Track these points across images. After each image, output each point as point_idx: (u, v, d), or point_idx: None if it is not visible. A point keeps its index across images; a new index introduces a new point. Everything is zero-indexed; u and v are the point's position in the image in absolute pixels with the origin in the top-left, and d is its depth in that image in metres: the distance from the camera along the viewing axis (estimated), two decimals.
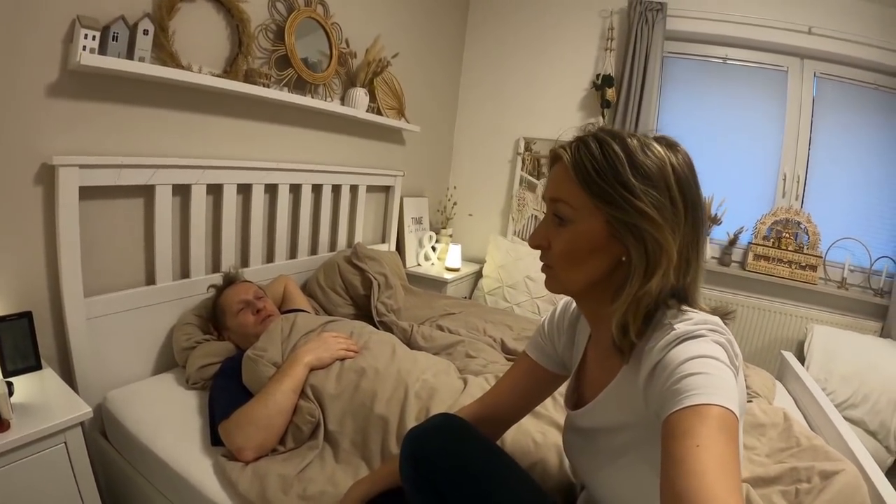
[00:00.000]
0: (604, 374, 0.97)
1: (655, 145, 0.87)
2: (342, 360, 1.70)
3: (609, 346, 0.94)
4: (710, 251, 3.37)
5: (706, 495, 0.62)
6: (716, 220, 3.31)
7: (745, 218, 3.33)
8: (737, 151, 3.39)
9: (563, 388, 1.22)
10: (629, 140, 0.87)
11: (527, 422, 1.45)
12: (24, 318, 1.57)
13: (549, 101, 3.69)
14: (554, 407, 1.62)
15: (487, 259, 3.78)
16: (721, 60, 3.39)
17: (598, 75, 3.43)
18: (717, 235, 3.40)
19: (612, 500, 1.00)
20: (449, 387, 1.65)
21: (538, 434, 1.45)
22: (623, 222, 0.85)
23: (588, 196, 0.87)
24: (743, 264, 3.34)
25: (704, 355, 0.76)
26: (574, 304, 1.16)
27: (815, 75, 3.20)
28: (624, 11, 3.41)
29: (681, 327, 0.81)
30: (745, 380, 2.01)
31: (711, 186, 3.31)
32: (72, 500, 1.42)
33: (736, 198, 3.32)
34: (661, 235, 0.83)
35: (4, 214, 1.58)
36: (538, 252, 0.98)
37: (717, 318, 0.85)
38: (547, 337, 1.20)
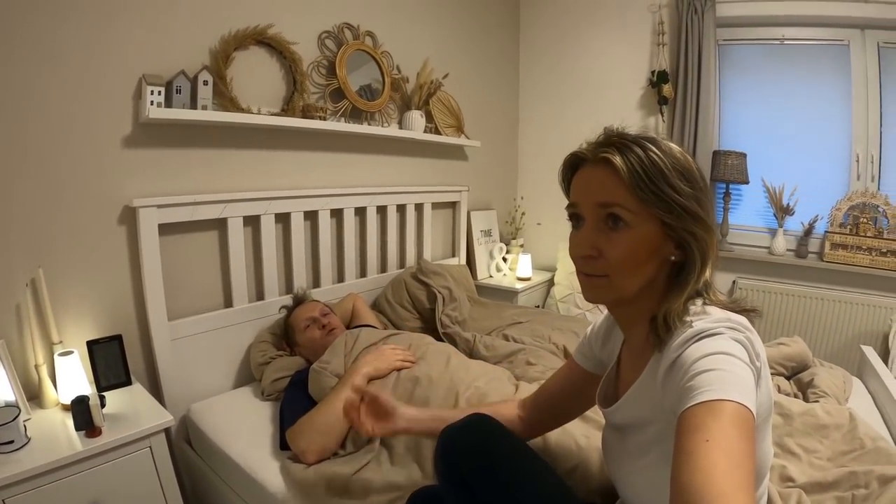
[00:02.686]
0: (634, 373, 0.98)
1: (673, 144, 0.89)
2: (399, 370, 1.81)
3: (639, 346, 0.97)
4: (785, 243, 3.23)
5: (713, 491, 0.61)
6: (788, 211, 3.18)
7: (820, 205, 3.16)
8: (805, 136, 3.24)
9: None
10: (661, 142, 0.87)
11: (572, 424, 1.46)
12: (115, 341, 1.80)
13: (608, 103, 3.66)
14: None
15: (558, 266, 3.80)
16: (778, 41, 3.23)
17: (652, 72, 3.40)
18: (792, 226, 3.26)
19: (635, 500, 1.03)
20: (499, 392, 1.71)
21: (582, 437, 1.47)
22: (677, 225, 0.85)
23: (641, 202, 0.85)
24: (820, 255, 3.17)
25: (720, 352, 0.76)
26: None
27: (878, 46, 3.00)
28: (672, 4, 3.33)
29: (699, 325, 0.82)
30: (813, 379, 1.95)
31: (781, 175, 3.25)
32: (156, 496, 1.62)
33: (808, 185, 3.18)
34: (707, 232, 0.86)
35: (95, 252, 1.82)
36: None
37: (741, 318, 0.85)
38: (588, 342, 1.22)
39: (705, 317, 0.84)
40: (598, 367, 1.21)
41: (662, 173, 0.84)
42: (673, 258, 0.89)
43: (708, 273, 0.89)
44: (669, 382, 0.80)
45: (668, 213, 0.85)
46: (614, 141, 0.88)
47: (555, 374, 1.33)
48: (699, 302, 0.89)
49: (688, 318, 0.85)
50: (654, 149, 0.85)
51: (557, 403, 1.31)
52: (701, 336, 0.80)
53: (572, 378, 1.26)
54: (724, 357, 0.75)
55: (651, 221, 0.86)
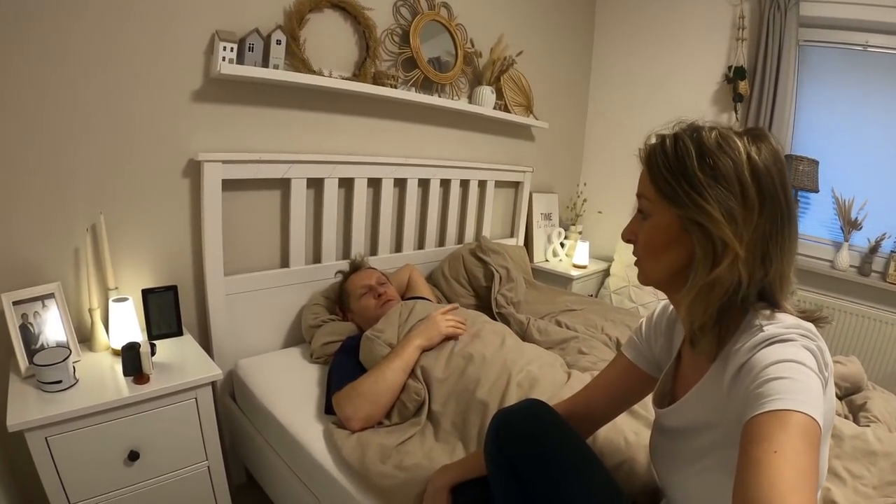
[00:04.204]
0: (694, 374, 0.96)
1: (735, 138, 0.85)
2: (453, 338, 1.78)
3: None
4: (849, 258, 3.06)
5: (777, 503, 0.61)
6: (856, 225, 3.01)
7: (889, 223, 2.97)
8: (881, 149, 3.01)
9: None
10: (705, 133, 0.86)
11: (622, 420, 1.44)
12: (170, 291, 1.83)
13: (681, 96, 3.53)
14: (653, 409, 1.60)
15: (615, 257, 3.72)
16: (861, 48, 3.02)
17: (729, 67, 3.23)
18: (858, 242, 3.09)
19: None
20: (551, 379, 1.67)
21: (631, 434, 1.43)
22: (687, 218, 0.85)
23: (657, 192, 0.89)
24: (884, 275, 2.98)
25: (792, 360, 0.74)
26: (672, 307, 1.14)
27: None
28: None
29: (770, 329, 0.80)
30: (867, 402, 1.86)
31: (852, 188, 3.07)
32: (196, 446, 1.64)
33: (879, 200, 3.00)
34: (721, 231, 0.82)
35: (158, 203, 1.85)
36: None
37: (810, 325, 0.82)
38: (644, 338, 1.19)
39: (777, 322, 0.82)
40: (652, 366, 1.19)
41: (682, 164, 0.85)
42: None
43: (724, 273, 0.83)
44: (737, 387, 0.78)
45: (673, 203, 0.86)
46: (658, 135, 0.93)
47: (604, 374, 1.28)
48: (767, 309, 0.86)
49: (758, 322, 0.83)
50: (687, 139, 0.86)
51: (605, 405, 1.27)
52: (772, 341, 0.78)
53: (624, 378, 1.23)
54: (795, 365, 0.73)
55: (666, 211, 0.89)
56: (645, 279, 0.98)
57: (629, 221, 0.99)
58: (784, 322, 0.81)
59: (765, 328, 0.80)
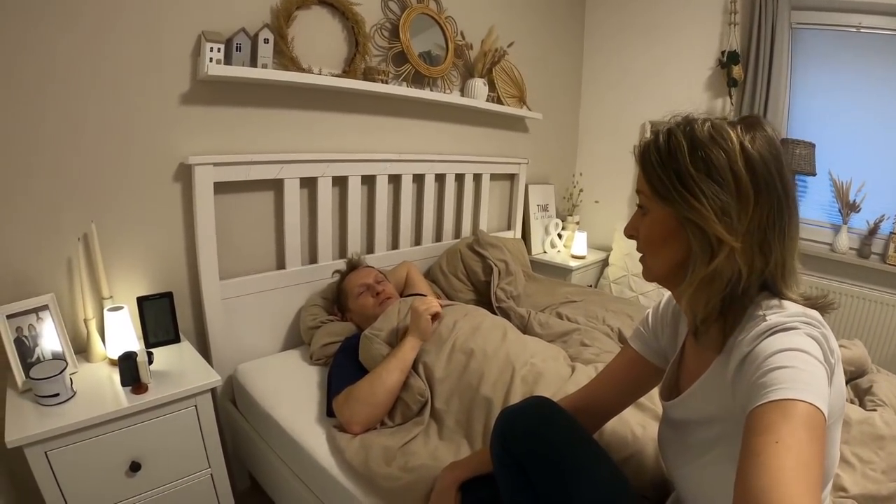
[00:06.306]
0: (699, 366, 0.95)
1: (728, 129, 0.84)
2: (436, 318, 1.76)
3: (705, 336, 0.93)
4: (849, 241, 3.04)
5: (779, 494, 0.59)
6: (854, 207, 2.99)
7: (887, 204, 2.93)
8: (877, 130, 2.99)
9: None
10: (698, 126, 0.85)
11: (628, 413, 1.42)
12: (166, 298, 1.80)
13: (675, 83, 3.49)
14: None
15: (614, 247, 3.70)
16: (854, 29, 2.99)
17: (722, 52, 3.19)
18: (856, 224, 3.06)
19: (695, 497, 0.99)
20: (555, 373, 1.65)
21: (638, 427, 1.41)
22: (681, 215, 0.85)
23: (651, 189, 0.89)
24: (883, 257, 2.96)
25: (795, 348, 0.73)
26: None
27: None
28: None
29: (773, 318, 0.78)
30: (872, 386, 1.84)
31: (849, 170, 3.05)
32: (198, 454, 1.62)
33: (877, 182, 2.97)
34: (713, 228, 0.81)
35: (149, 208, 1.82)
36: None
37: (814, 312, 0.81)
38: (650, 329, 1.18)
39: (780, 311, 0.81)
40: (659, 358, 1.17)
41: (675, 159, 0.85)
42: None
43: (722, 265, 0.83)
44: (740, 378, 0.77)
45: (664, 199, 0.86)
46: (653, 130, 0.93)
47: (610, 367, 1.27)
48: (771, 298, 0.85)
49: (761, 312, 0.81)
50: (679, 134, 0.85)
51: (613, 397, 1.26)
52: (775, 330, 0.76)
53: (631, 370, 1.22)
54: (798, 354, 0.72)
55: (661, 207, 0.88)
56: (647, 275, 0.97)
57: (632, 216, 0.98)
58: (787, 310, 0.80)
59: (767, 318, 0.79)
